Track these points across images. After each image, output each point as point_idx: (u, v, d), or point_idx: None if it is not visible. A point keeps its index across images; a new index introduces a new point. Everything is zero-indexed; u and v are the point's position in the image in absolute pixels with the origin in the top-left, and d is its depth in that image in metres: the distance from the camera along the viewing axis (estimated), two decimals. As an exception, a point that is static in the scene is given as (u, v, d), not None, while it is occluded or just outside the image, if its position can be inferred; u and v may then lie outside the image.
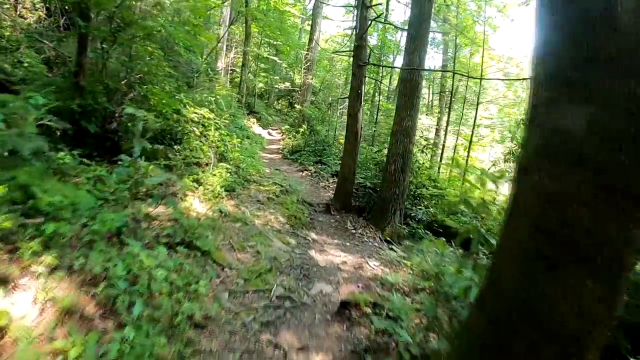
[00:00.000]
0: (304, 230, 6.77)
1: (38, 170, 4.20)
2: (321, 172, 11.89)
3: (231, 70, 21.95)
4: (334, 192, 9.74)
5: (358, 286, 4.81)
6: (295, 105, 19.33)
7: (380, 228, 7.96)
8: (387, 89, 21.90)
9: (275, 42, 21.83)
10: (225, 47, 20.64)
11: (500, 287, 2.00)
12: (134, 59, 6.70)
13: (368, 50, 9.50)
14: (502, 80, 15.67)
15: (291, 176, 11.38)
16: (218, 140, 8.13)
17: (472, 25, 16.22)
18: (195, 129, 7.42)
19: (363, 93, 9.06)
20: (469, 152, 14.26)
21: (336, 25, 63.29)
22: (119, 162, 4.35)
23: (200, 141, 7.47)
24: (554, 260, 1.69)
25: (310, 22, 22.77)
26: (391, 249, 7.26)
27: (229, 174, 7.13)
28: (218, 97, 10.26)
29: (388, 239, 7.74)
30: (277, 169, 11.83)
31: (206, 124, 7.98)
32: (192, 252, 4.18)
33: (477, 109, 14.43)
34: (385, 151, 10.00)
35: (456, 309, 3.30)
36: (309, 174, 11.93)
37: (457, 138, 16.52)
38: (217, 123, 8.61)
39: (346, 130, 9.21)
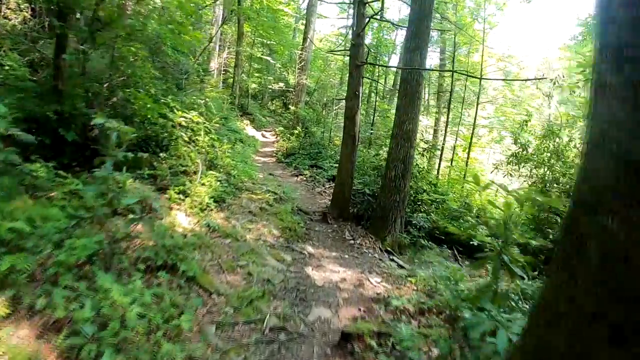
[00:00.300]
0: (300, 243, 6.34)
1: (4, 188, 3.75)
2: (317, 177, 11.46)
3: (224, 70, 21.47)
4: (330, 198, 9.32)
5: (359, 309, 4.39)
6: (290, 106, 18.88)
7: (380, 237, 7.54)
8: (382, 89, 21.51)
9: (268, 42, 21.35)
10: (218, 47, 20.16)
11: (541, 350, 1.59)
12: (116, 61, 6.23)
13: (365, 49, 9.07)
14: (504, 80, 15.30)
15: (286, 182, 10.95)
16: (208, 146, 7.67)
17: (470, 23, 15.84)
18: (183, 134, 6.96)
19: (361, 94, 8.64)
20: (468, 154, 13.89)
21: (331, 24, 62.79)
22: (93, 176, 3.90)
23: (189, 147, 7.01)
24: (621, 328, 1.27)
25: (304, 21, 22.32)
26: (392, 259, 6.85)
27: (218, 183, 6.68)
28: (208, 99, 9.78)
29: (389, 249, 7.33)
30: (270, 174, 11.39)
31: (195, 129, 7.52)
32: (175, 277, 3.73)
33: (476, 109, 14.05)
34: (384, 154, 9.61)
35: (473, 343, 2.89)
36: (304, 178, 11.50)
37: (456, 139, 16.13)
38: (207, 127, 8.15)
39: (343, 133, 8.79)
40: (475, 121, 14.20)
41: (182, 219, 5.02)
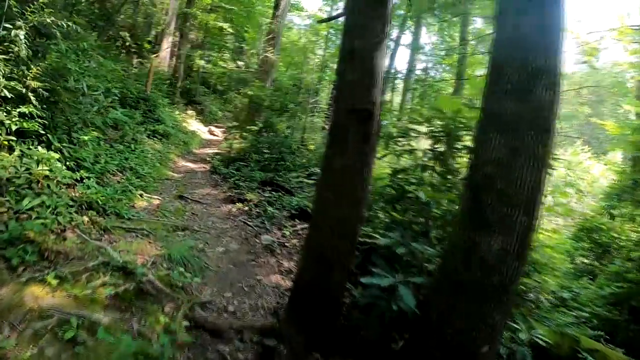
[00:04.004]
0: None
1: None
2: (270, 207, 5.88)
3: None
4: (292, 277, 3.94)
5: None
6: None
7: None
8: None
9: (228, 7, 15.76)
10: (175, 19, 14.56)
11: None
12: None
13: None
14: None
15: (207, 215, 5.48)
16: None
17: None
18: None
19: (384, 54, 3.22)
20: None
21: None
22: None
23: None
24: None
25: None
26: None
27: None
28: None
29: None
30: (182, 197, 5.88)
31: None
32: None
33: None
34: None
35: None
36: (245, 208, 5.95)
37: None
38: None
39: (333, 126, 3.28)
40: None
41: None
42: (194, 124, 14.07)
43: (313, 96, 15.66)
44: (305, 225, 5.46)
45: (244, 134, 10.11)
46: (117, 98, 7.73)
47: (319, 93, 19.22)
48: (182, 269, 3.39)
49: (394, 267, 3.17)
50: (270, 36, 14.35)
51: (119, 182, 5.10)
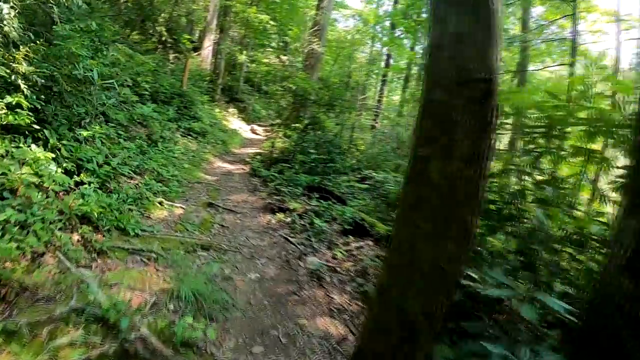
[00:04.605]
0: None
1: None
2: (318, 219, 4.73)
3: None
4: (345, 329, 2.81)
5: None
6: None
7: None
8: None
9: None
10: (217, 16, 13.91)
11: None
12: None
13: None
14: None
15: (240, 227, 4.47)
16: None
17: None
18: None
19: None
20: None
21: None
22: None
23: None
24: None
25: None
26: None
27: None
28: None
29: None
30: (212, 204, 4.91)
31: None
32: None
33: None
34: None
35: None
36: (287, 221, 4.86)
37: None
38: None
39: (427, 111, 2.07)
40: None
41: None
42: (235, 123, 13.33)
43: (362, 93, 14.45)
44: (362, 244, 4.32)
45: (288, 132, 9.10)
46: (147, 93, 7.01)
47: (366, 91, 17.95)
48: (191, 319, 2.33)
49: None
50: (315, 28, 13.34)
51: (136, 187, 4.20)
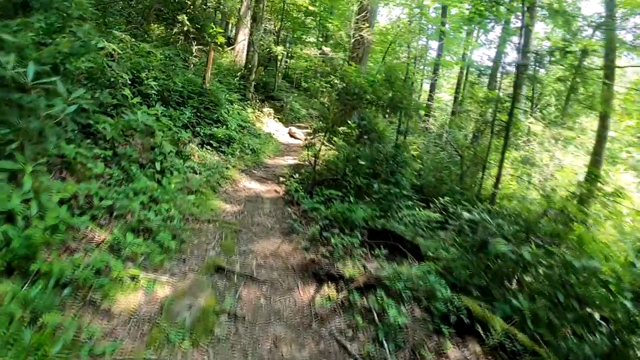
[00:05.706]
0: None
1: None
2: (392, 307, 2.81)
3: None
4: None
5: None
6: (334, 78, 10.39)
7: None
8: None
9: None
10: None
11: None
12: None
13: None
14: None
15: (265, 317, 2.67)
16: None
17: None
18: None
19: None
20: None
21: None
22: None
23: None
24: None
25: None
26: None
27: None
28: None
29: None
30: (222, 268, 3.14)
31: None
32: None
33: None
34: None
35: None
36: (339, 300, 2.97)
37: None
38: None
39: None
40: None
41: None
42: (270, 124, 11.58)
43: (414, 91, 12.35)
44: (467, 354, 2.40)
45: (335, 139, 7.17)
46: (154, 92, 5.35)
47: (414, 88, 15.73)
48: None
49: None
50: (363, 13, 11.35)
51: (98, 249, 2.47)
